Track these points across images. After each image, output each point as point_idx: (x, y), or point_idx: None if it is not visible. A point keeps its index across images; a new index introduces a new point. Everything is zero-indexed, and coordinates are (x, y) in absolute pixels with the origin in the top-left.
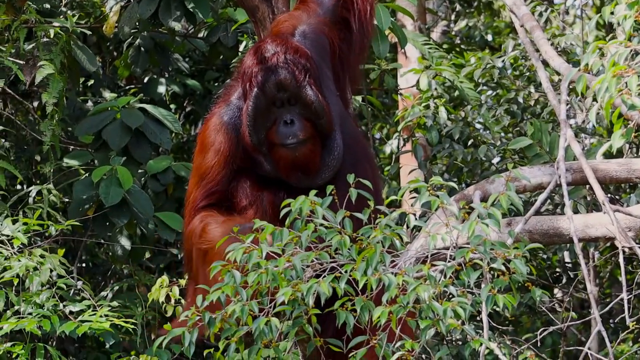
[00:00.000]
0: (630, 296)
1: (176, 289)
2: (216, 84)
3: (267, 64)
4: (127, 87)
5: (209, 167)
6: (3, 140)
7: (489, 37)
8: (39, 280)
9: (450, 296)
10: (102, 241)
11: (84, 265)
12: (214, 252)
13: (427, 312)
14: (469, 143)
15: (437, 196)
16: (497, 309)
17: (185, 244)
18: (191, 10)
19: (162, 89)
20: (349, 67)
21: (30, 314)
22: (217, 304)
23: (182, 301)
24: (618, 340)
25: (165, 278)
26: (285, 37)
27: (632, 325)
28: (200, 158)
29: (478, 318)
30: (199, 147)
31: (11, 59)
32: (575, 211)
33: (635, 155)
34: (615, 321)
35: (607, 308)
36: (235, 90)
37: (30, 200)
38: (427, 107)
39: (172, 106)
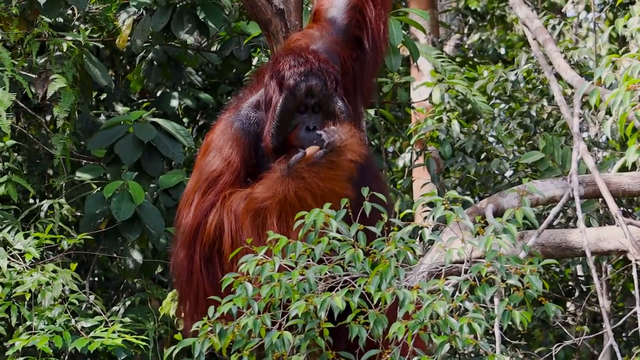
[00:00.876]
0: None
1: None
2: (229, 98)
3: (300, 69)
4: (140, 101)
5: (220, 173)
6: (16, 154)
7: (502, 51)
8: (51, 295)
9: (464, 311)
10: (115, 255)
11: (96, 279)
12: (273, 202)
13: (443, 327)
14: (482, 156)
15: (452, 210)
16: (510, 323)
17: (188, 241)
18: (203, 21)
19: (174, 103)
20: (362, 85)
21: (42, 329)
22: (228, 314)
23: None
24: (633, 356)
25: (176, 292)
26: (314, 50)
27: None
28: (209, 159)
29: (490, 332)
30: (205, 150)
31: (24, 72)
32: (588, 224)
33: None
34: (628, 335)
35: (620, 322)
36: (246, 99)
37: (42, 214)
38: (440, 120)
39: (185, 120)
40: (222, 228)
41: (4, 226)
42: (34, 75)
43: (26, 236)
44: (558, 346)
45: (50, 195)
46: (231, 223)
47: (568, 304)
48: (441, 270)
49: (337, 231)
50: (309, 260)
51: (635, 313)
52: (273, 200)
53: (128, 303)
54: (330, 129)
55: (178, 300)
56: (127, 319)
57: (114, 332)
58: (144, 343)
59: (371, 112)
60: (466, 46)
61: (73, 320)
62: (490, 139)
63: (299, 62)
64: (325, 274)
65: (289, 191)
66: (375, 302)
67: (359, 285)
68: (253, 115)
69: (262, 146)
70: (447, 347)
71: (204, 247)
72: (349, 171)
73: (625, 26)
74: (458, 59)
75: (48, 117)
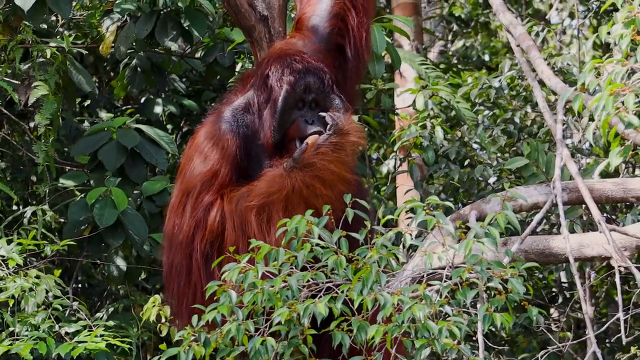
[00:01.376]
0: (626, 316)
1: (167, 309)
2: (213, 104)
3: (298, 66)
4: (124, 108)
5: (214, 174)
6: None
7: (486, 57)
8: (34, 301)
9: (446, 316)
10: (98, 261)
11: (79, 285)
12: (279, 196)
13: (422, 331)
14: (466, 163)
15: (434, 215)
16: (493, 329)
17: (186, 242)
18: (187, 29)
19: (158, 109)
20: (345, 93)
21: (25, 335)
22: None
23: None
24: None
25: (157, 297)
26: (305, 52)
27: (634, 350)
28: (200, 162)
29: (474, 338)
30: (193, 154)
31: (7, 79)
32: (572, 231)
33: (631, 175)
34: (612, 341)
35: (603, 328)
36: (230, 103)
37: (25, 221)
38: (424, 127)
39: (169, 126)
40: (225, 225)
41: None
42: (17, 82)
43: (9, 242)
44: (545, 353)
45: (34, 202)
46: (234, 220)
47: (552, 310)
48: (422, 275)
49: (320, 238)
50: (292, 268)
51: (618, 319)
52: (280, 195)
53: (111, 309)
54: (334, 113)
55: (173, 303)
56: (110, 322)
57: (96, 336)
58: (128, 345)
59: (355, 118)
60: (450, 53)
61: (57, 326)
62: (474, 146)
63: (295, 61)
64: (308, 280)
65: (297, 182)
66: (356, 306)
67: (342, 292)
68: (241, 118)
69: (259, 144)
70: (427, 351)
71: (205, 244)
72: (353, 155)
73: (609, 33)
74: (442, 66)
75: (32, 124)
